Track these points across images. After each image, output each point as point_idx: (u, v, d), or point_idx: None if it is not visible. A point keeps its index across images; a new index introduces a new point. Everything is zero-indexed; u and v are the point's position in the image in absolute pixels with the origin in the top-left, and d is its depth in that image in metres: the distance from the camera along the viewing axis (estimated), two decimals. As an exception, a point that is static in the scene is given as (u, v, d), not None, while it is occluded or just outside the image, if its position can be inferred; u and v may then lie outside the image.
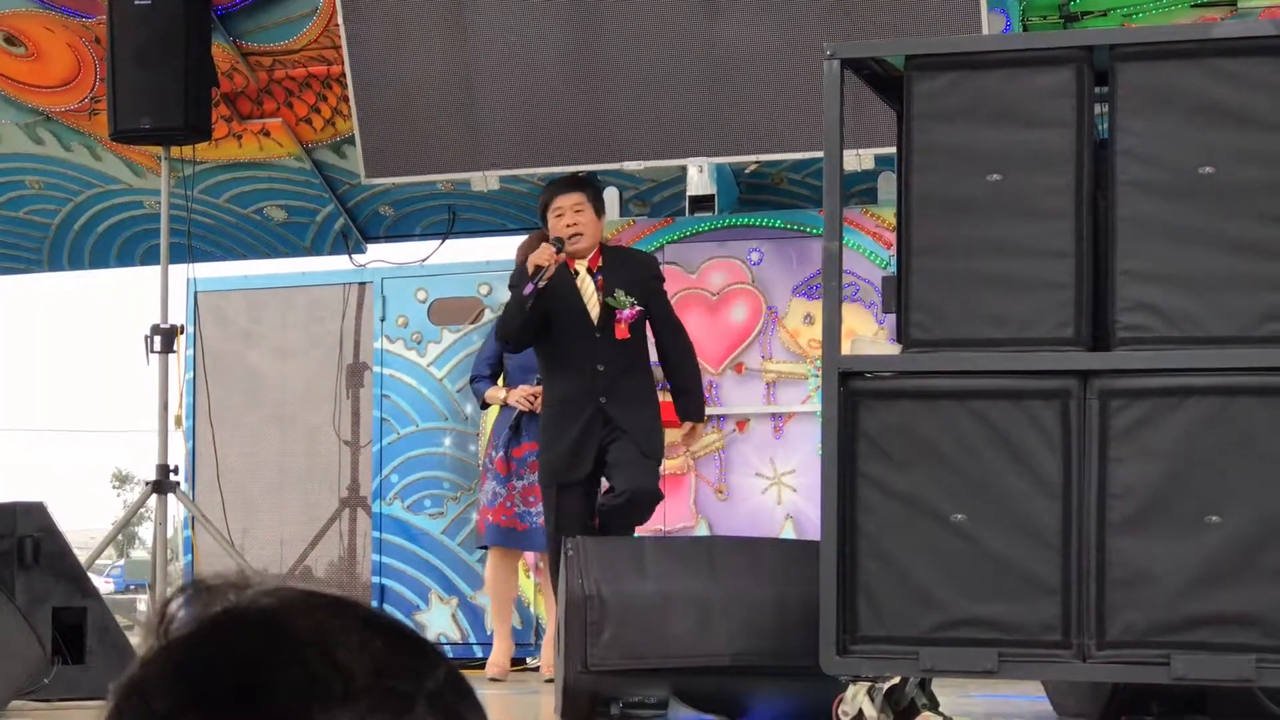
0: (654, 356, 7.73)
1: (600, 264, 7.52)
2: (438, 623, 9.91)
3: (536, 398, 8.23)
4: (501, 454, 8.57)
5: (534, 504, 8.48)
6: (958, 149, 5.70)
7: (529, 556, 9.15)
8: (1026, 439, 5.58)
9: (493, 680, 8.60)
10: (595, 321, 7.44)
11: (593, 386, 7.39)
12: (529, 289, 7.32)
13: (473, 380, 8.81)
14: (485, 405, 8.78)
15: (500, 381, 8.69)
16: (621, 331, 7.42)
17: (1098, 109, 5.71)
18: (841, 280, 5.91)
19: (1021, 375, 5.62)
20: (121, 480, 68.47)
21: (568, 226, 7.45)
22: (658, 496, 7.45)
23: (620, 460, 7.33)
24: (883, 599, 5.65)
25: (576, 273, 7.49)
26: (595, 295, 7.47)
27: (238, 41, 10.37)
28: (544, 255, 7.35)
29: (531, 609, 9.48)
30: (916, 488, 5.64)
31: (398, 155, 9.70)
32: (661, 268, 8.13)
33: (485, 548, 8.88)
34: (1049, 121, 5.64)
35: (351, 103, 9.71)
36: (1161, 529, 5.47)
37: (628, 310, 7.43)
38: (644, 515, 7.42)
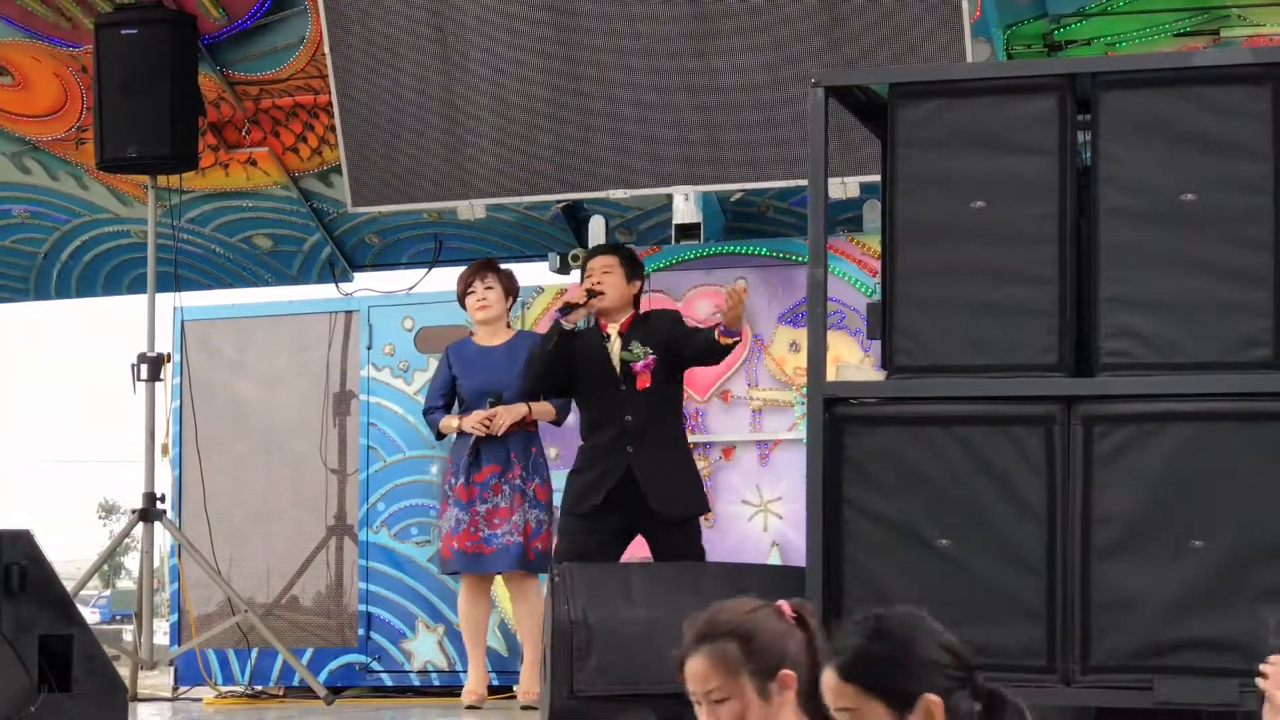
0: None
1: (628, 328, 7.89)
2: (424, 651, 9.92)
3: (490, 420, 8.47)
4: (462, 480, 8.57)
5: (498, 526, 8.50)
6: (941, 176, 5.74)
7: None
8: (1010, 464, 5.61)
9: (469, 709, 8.57)
10: (619, 375, 7.80)
11: (621, 435, 7.75)
12: (554, 316, 7.76)
13: (426, 412, 8.84)
14: (440, 436, 8.80)
15: (454, 411, 8.72)
16: (642, 381, 7.75)
17: (1080, 136, 5.75)
18: (826, 307, 5.94)
19: (1005, 401, 5.65)
20: (108, 510, 68.34)
21: (596, 284, 7.87)
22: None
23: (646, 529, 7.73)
24: (868, 624, 5.66)
25: (608, 336, 7.87)
26: (618, 352, 7.85)
27: (224, 71, 10.39)
28: (574, 293, 7.83)
29: (517, 635, 9.47)
30: (901, 513, 5.67)
31: (384, 184, 9.71)
32: (652, 297, 8.27)
33: (454, 573, 8.89)
34: (1032, 149, 5.68)
35: (338, 131, 9.73)
36: (1145, 554, 5.50)
37: (642, 360, 7.76)
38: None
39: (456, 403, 8.75)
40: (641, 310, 8.02)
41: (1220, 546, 5.45)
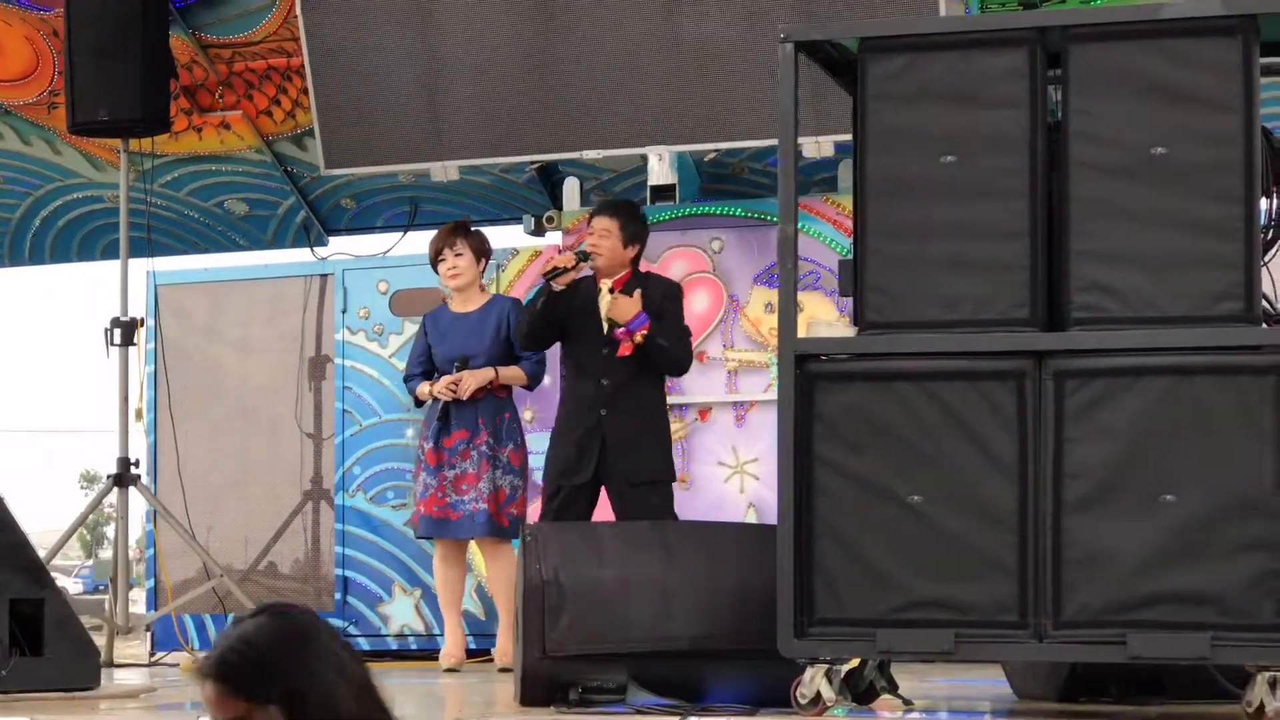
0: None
1: (623, 287, 7.86)
2: (401, 614, 9.90)
3: (457, 385, 8.49)
4: (431, 444, 8.56)
5: (465, 492, 8.49)
6: (912, 131, 5.71)
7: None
8: (982, 420, 5.59)
9: (448, 671, 8.56)
10: (604, 336, 7.81)
11: (596, 398, 7.79)
12: (540, 284, 7.78)
13: (406, 379, 8.83)
14: (419, 403, 8.79)
15: (434, 378, 8.70)
16: (624, 349, 7.76)
17: (1051, 91, 5.72)
18: (797, 263, 5.92)
19: (976, 356, 5.63)
20: (90, 480, 68.18)
21: (592, 246, 7.88)
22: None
23: (612, 489, 7.76)
24: (839, 581, 5.66)
25: (601, 290, 7.86)
26: (606, 313, 7.84)
27: (196, 34, 10.34)
28: (564, 257, 7.84)
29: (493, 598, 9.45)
30: (872, 469, 5.65)
31: (357, 146, 9.67)
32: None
33: (424, 538, 8.88)
34: (1002, 103, 5.65)
35: (310, 93, 9.69)
36: (1117, 508, 5.48)
37: (621, 329, 7.75)
38: None
39: (435, 372, 8.73)
40: (641, 269, 8.02)
41: (1192, 500, 5.44)
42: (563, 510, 7.75)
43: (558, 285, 7.78)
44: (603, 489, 7.84)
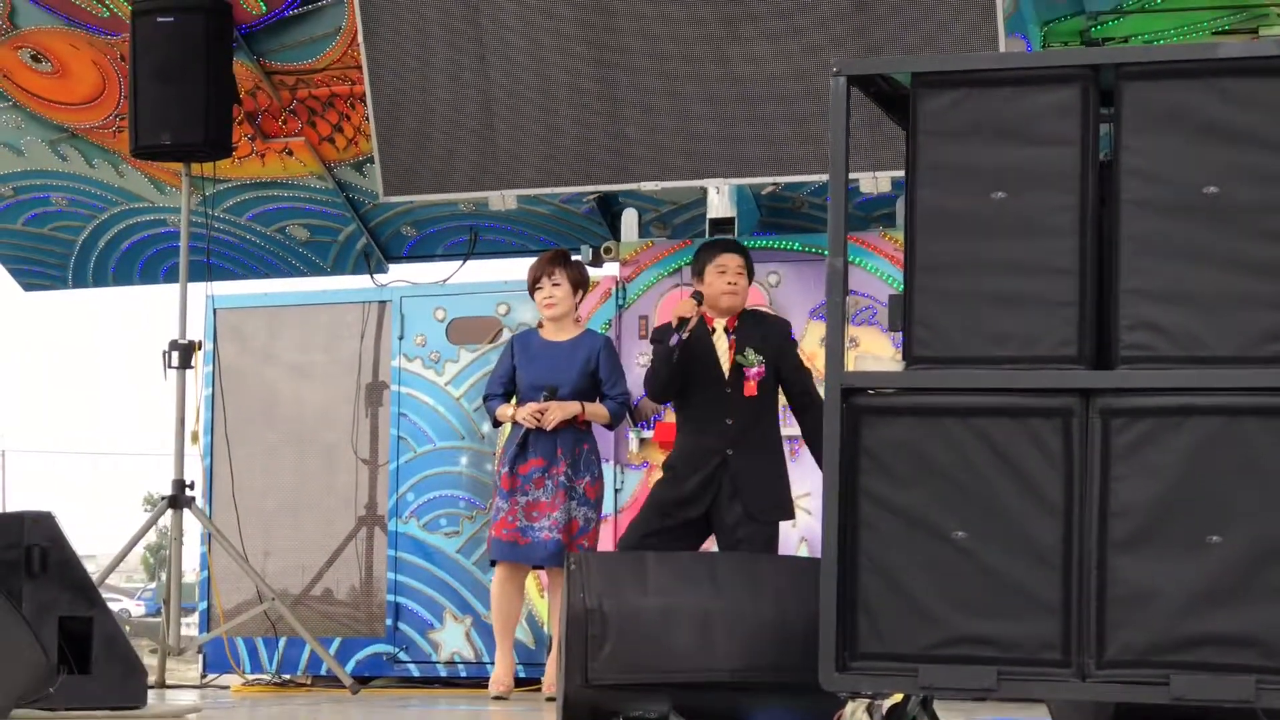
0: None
1: (736, 325, 8.04)
2: (452, 641, 9.92)
3: (542, 414, 8.48)
4: (506, 469, 8.57)
5: (536, 519, 8.48)
6: (962, 166, 5.69)
7: (543, 576, 9.15)
8: (1028, 457, 5.56)
9: (496, 699, 8.57)
10: (727, 377, 7.97)
11: (721, 438, 7.93)
12: (675, 340, 7.89)
13: (486, 399, 8.83)
14: (498, 424, 8.82)
15: (513, 401, 8.70)
16: (750, 389, 7.93)
17: (1103, 128, 5.70)
18: (846, 296, 5.89)
19: (1024, 393, 5.60)
20: (152, 503, 68.55)
21: (729, 284, 8.03)
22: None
23: (724, 524, 7.91)
24: (882, 615, 5.64)
25: (713, 330, 8.02)
26: (729, 353, 8.00)
27: (261, 60, 10.42)
28: (686, 308, 7.94)
29: (545, 628, 9.47)
30: (917, 504, 5.63)
31: (416, 173, 9.73)
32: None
33: (497, 561, 8.89)
34: (1054, 140, 5.63)
35: (370, 121, 9.75)
36: (1162, 548, 5.45)
37: (755, 368, 7.94)
38: None
39: (516, 395, 8.74)
40: (749, 309, 8.18)
41: (1238, 542, 5.40)
42: (667, 545, 7.75)
43: (685, 334, 7.88)
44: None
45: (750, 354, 7.98)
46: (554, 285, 8.66)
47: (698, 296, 7.97)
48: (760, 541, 7.80)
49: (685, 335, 7.86)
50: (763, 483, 7.92)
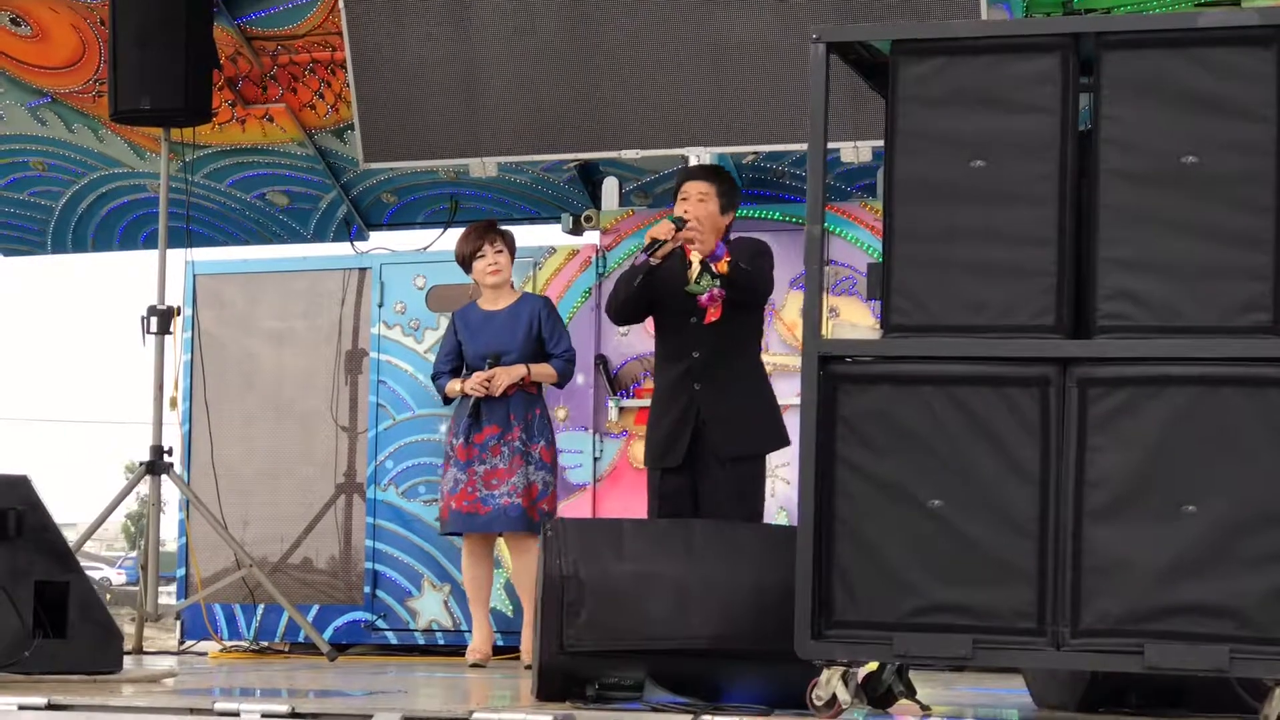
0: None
1: (710, 257, 7.45)
2: (430, 609, 9.92)
3: (490, 381, 8.51)
4: (462, 440, 8.60)
5: (496, 487, 8.52)
6: (942, 134, 5.69)
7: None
8: (1005, 426, 5.57)
9: (474, 666, 8.59)
10: (689, 307, 7.47)
11: (688, 373, 7.51)
12: (640, 259, 7.42)
13: (434, 377, 8.88)
14: (448, 400, 8.82)
15: (463, 375, 8.74)
16: (711, 315, 7.45)
17: (1082, 98, 5.70)
18: (824, 264, 5.91)
19: (1001, 362, 5.61)
20: (134, 470, 68.47)
21: (684, 212, 7.43)
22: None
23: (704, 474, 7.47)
24: (858, 584, 5.64)
25: (690, 263, 7.47)
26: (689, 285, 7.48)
27: (241, 25, 10.38)
28: (662, 229, 7.42)
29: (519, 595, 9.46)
30: (894, 473, 5.64)
31: (396, 140, 9.71)
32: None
33: (451, 534, 8.91)
34: (1033, 108, 5.63)
35: (351, 87, 9.72)
36: (1138, 518, 5.46)
37: (705, 293, 7.43)
38: None
39: (464, 369, 8.77)
40: (733, 239, 7.61)
41: (1213, 512, 5.41)
42: (668, 496, 7.49)
43: (655, 259, 7.40)
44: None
45: (704, 279, 7.38)
46: (497, 253, 8.73)
47: (677, 222, 7.37)
48: (732, 486, 7.39)
49: (654, 258, 7.37)
50: (732, 418, 7.45)
